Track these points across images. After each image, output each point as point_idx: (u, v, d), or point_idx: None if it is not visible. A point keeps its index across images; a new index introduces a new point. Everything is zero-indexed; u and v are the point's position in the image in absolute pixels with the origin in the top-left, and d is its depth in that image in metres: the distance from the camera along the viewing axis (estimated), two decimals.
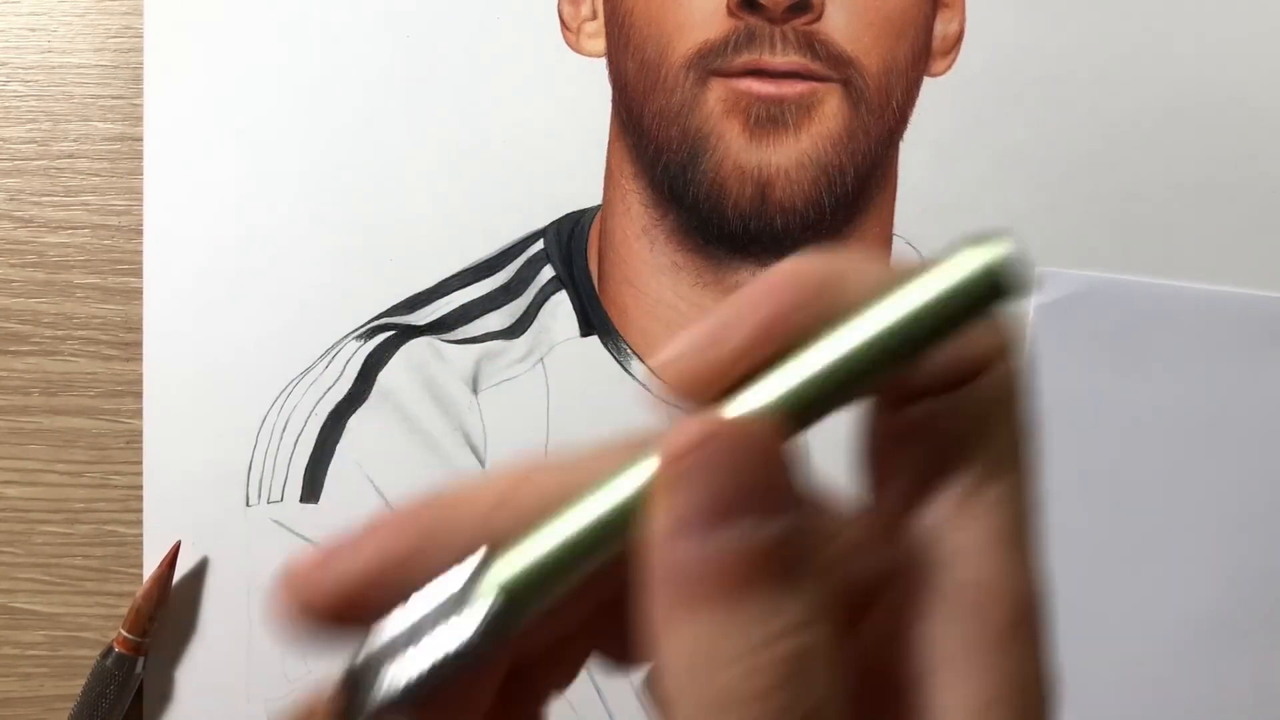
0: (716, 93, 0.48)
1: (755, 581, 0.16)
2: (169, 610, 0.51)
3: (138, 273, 0.51)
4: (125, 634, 0.49)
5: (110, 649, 0.49)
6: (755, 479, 0.16)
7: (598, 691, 0.50)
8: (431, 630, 0.17)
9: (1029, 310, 0.50)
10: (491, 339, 0.51)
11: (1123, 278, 0.50)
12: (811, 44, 0.48)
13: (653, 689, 0.17)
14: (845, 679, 0.16)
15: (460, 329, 0.51)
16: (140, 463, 0.51)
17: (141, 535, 0.51)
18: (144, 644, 0.49)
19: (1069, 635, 0.52)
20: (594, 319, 0.51)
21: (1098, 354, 0.50)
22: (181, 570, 0.51)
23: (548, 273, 0.51)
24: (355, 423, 0.51)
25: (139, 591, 0.49)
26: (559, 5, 0.51)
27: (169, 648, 0.51)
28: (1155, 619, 0.50)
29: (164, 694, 0.51)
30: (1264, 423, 0.50)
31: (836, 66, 0.48)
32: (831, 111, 0.48)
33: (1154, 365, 0.49)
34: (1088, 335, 0.50)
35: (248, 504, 0.51)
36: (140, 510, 0.51)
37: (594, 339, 0.51)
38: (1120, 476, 0.50)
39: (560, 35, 0.51)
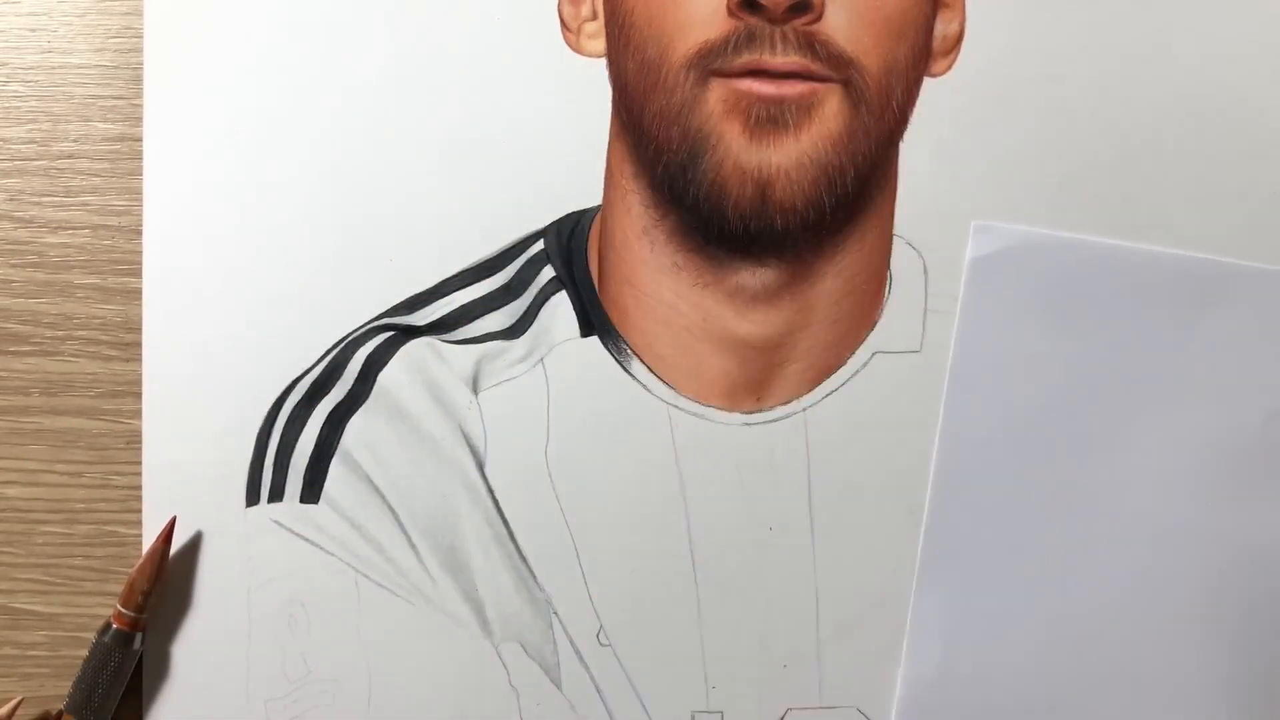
0: (717, 93, 0.48)
1: None
2: (168, 611, 0.51)
3: (138, 273, 0.51)
4: (122, 609, 0.49)
5: (108, 625, 0.49)
6: None
7: (598, 691, 0.50)
8: None
9: (964, 263, 0.50)
10: (492, 339, 0.51)
11: (1057, 234, 0.50)
12: (812, 44, 0.48)
13: None
14: None
15: (460, 329, 0.51)
16: (140, 463, 0.51)
17: (141, 535, 0.51)
18: (141, 619, 0.49)
19: (1000, 589, 0.53)
20: (594, 319, 0.51)
21: (1031, 308, 0.50)
22: (180, 575, 0.51)
23: (548, 273, 0.51)
24: (355, 423, 0.51)
25: (135, 567, 0.49)
26: (559, 5, 0.51)
27: (169, 647, 0.51)
28: (1089, 575, 0.50)
29: (164, 693, 0.51)
30: (1192, 381, 0.50)
31: (837, 67, 0.48)
32: (832, 112, 0.48)
33: (1085, 321, 0.50)
34: (1022, 289, 0.50)
35: (248, 504, 0.51)
36: (140, 510, 0.51)
37: (594, 339, 0.51)
38: (1051, 430, 0.50)
39: (560, 35, 0.51)
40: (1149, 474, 0.50)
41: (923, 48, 0.50)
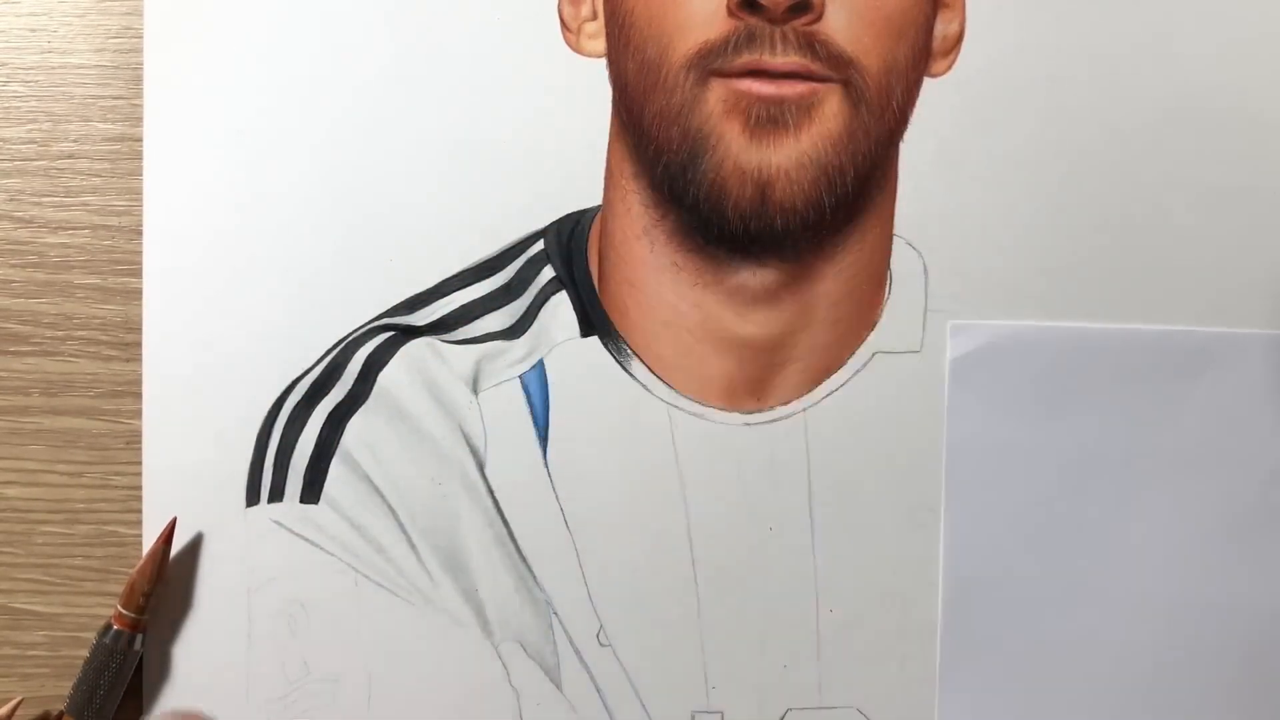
0: (717, 93, 0.48)
1: None
2: (168, 611, 0.51)
3: (138, 273, 0.51)
4: (122, 610, 0.49)
5: (109, 626, 0.49)
6: None
7: (598, 691, 0.50)
8: None
9: (944, 365, 0.50)
10: (492, 339, 0.51)
11: (1031, 324, 0.50)
12: (812, 44, 0.48)
13: None
14: None
15: (460, 329, 0.51)
16: (140, 463, 0.51)
17: (141, 535, 0.51)
18: (142, 620, 0.49)
19: (1013, 679, 0.53)
20: (594, 319, 0.51)
21: (1015, 401, 0.50)
22: (180, 574, 0.51)
23: (548, 273, 0.51)
24: (355, 423, 0.51)
25: (135, 568, 0.49)
26: (559, 5, 0.51)
27: (169, 648, 0.51)
28: (1108, 656, 0.50)
29: (165, 693, 0.51)
30: (1187, 452, 0.50)
31: (837, 67, 0.48)
32: (832, 112, 0.48)
33: (1073, 407, 0.50)
34: (1003, 384, 0.50)
35: (248, 504, 0.51)
36: (140, 510, 0.51)
37: (594, 339, 0.51)
38: (1049, 519, 0.50)
39: (560, 35, 0.51)
40: (1156, 549, 0.50)
41: (923, 48, 0.50)
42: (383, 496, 0.50)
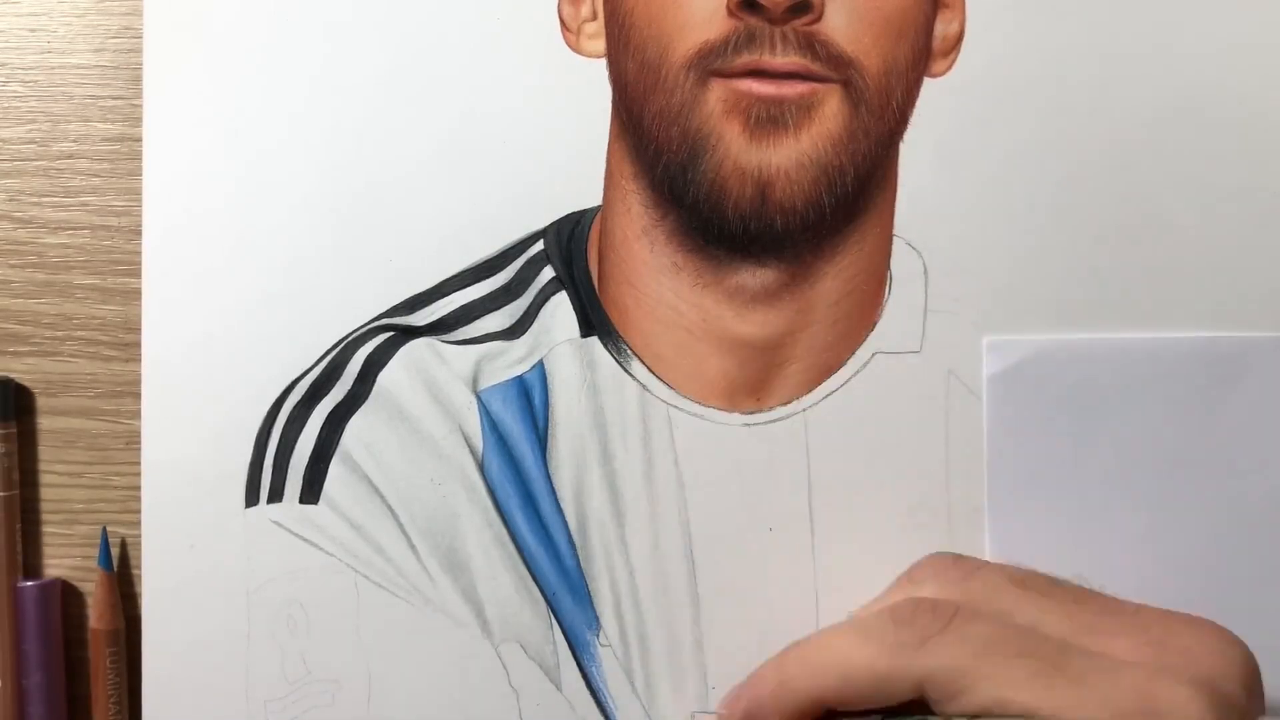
0: (717, 93, 0.48)
1: None
2: (167, 611, 0.51)
3: (137, 273, 0.51)
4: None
5: None
6: None
7: (598, 691, 0.50)
8: None
9: (981, 383, 0.50)
10: (492, 339, 0.51)
11: (1068, 337, 0.50)
12: (812, 44, 0.48)
13: None
14: None
15: (460, 329, 0.51)
16: (140, 463, 0.51)
17: (141, 535, 0.51)
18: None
19: None
20: (594, 320, 0.51)
21: (1055, 416, 0.50)
22: (180, 574, 0.51)
23: (548, 273, 0.51)
24: (355, 423, 0.51)
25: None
26: (559, 5, 0.51)
27: (168, 648, 0.51)
28: None
29: (164, 693, 0.50)
30: (1225, 458, 0.50)
31: (837, 67, 0.48)
32: (831, 112, 0.48)
33: (1110, 418, 0.50)
34: (1042, 399, 0.50)
35: (247, 505, 0.51)
36: (139, 511, 0.51)
37: (594, 339, 0.51)
38: (1093, 531, 0.50)
39: (560, 35, 0.51)
40: (1198, 557, 0.50)
41: (923, 48, 0.50)
42: (382, 497, 0.50)
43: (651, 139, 0.49)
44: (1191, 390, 0.50)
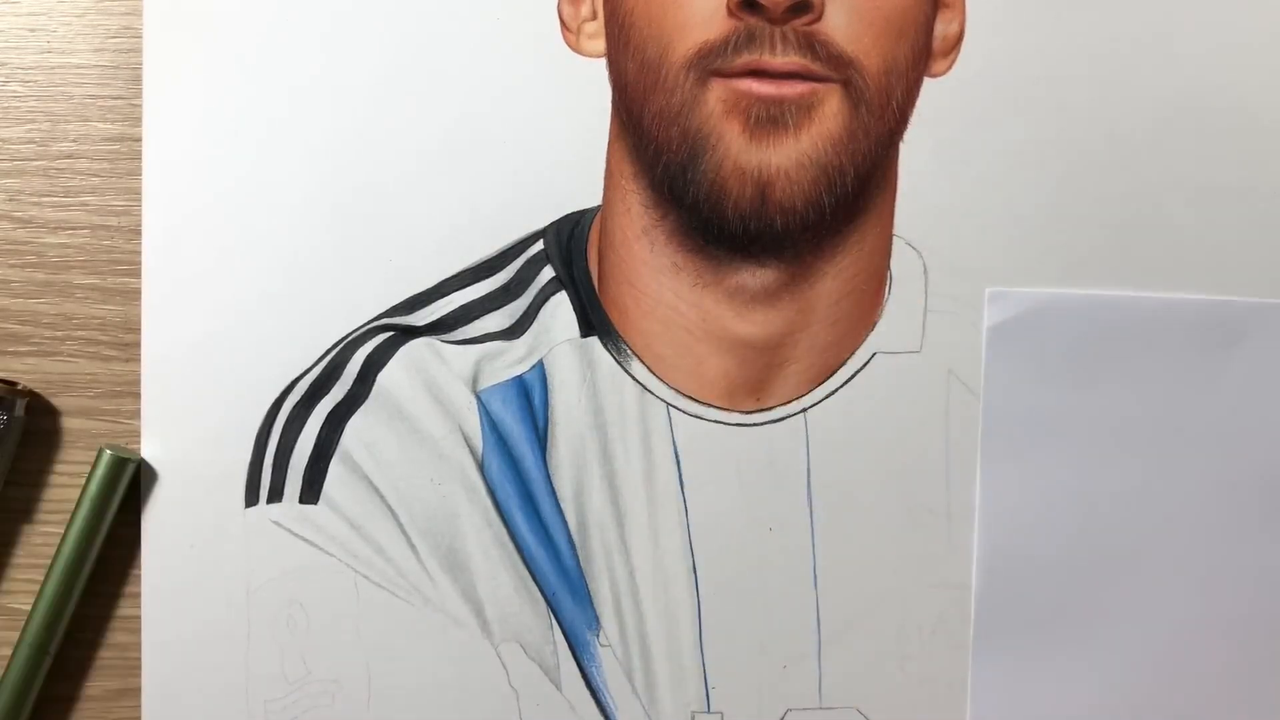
0: (716, 93, 0.48)
1: None
2: (168, 611, 0.50)
3: (137, 273, 0.51)
4: None
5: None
6: None
7: (598, 691, 0.50)
8: None
9: (981, 333, 0.50)
10: (491, 339, 0.51)
11: (1070, 292, 0.50)
12: (812, 44, 0.48)
13: None
14: None
15: (460, 329, 0.51)
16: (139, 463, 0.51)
17: (141, 536, 0.51)
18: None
19: (1046, 646, 0.53)
20: (594, 319, 0.51)
21: (1053, 370, 0.50)
22: (180, 574, 0.51)
23: (548, 273, 0.51)
24: (355, 423, 0.51)
25: None
26: (559, 5, 0.51)
27: (168, 648, 0.51)
28: (1143, 626, 0.50)
29: (164, 693, 0.51)
30: (1223, 424, 0.50)
31: (837, 67, 0.48)
32: (831, 112, 0.48)
33: (1110, 377, 0.50)
34: (1041, 353, 0.50)
35: (246, 504, 0.51)
36: (140, 510, 0.51)
37: (594, 339, 0.51)
38: (1085, 487, 0.50)
39: (560, 35, 0.51)
40: (1191, 518, 0.50)
41: (923, 48, 0.50)
42: (382, 497, 0.50)
43: (651, 139, 0.49)
44: (1191, 351, 0.50)
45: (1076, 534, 0.50)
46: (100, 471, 0.49)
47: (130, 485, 0.50)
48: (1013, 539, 0.50)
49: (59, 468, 0.52)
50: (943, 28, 0.50)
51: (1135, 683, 0.50)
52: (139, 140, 0.51)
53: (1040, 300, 0.50)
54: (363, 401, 0.51)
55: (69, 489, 0.52)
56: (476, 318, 0.51)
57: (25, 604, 0.52)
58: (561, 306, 0.51)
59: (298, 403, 0.51)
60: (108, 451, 0.50)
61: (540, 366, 0.51)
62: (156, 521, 0.51)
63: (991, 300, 0.50)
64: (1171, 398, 0.50)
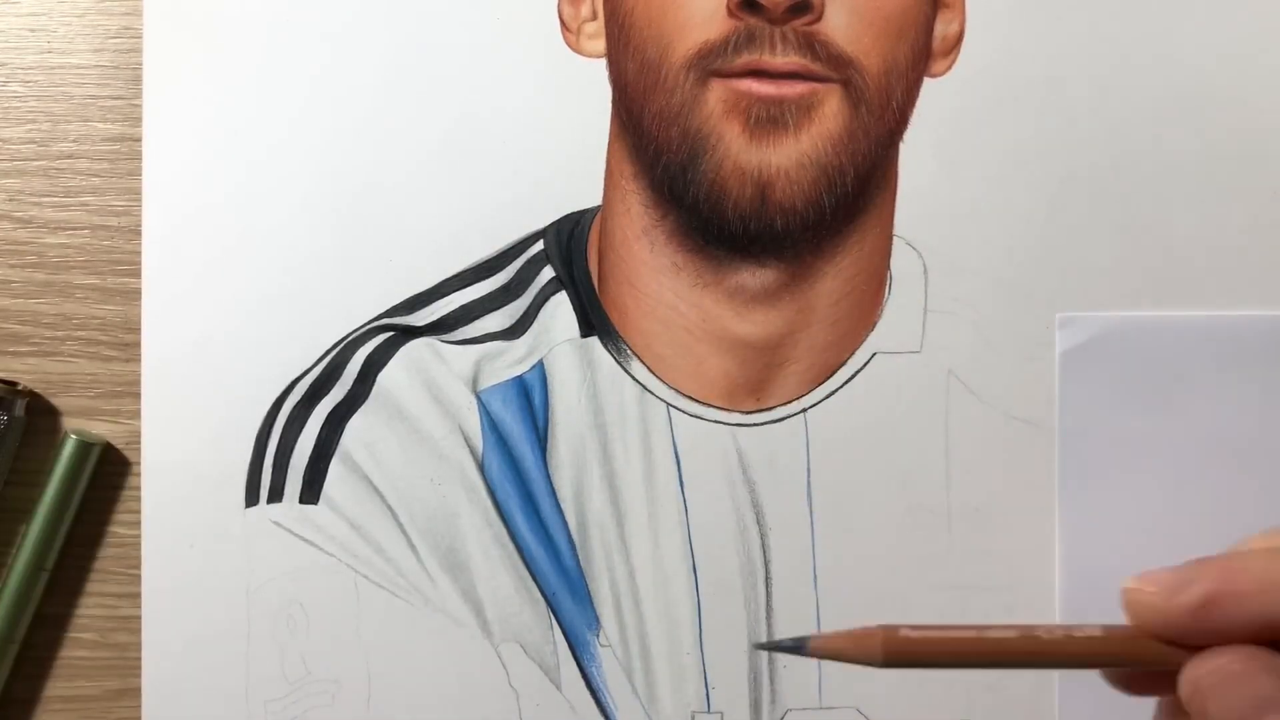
0: (716, 93, 0.48)
1: None
2: (168, 611, 0.50)
3: (137, 273, 0.51)
4: None
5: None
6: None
7: (598, 691, 0.50)
8: None
9: (1055, 357, 0.50)
10: (491, 339, 0.51)
11: (1141, 314, 0.50)
12: (812, 44, 0.48)
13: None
14: None
15: (460, 330, 0.51)
16: (140, 463, 0.51)
17: (140, 536, 0.51)
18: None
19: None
20: (594, 320, 0.51)
21: (1128, 393, 0.50)
22: (180, 574, 0.51)
23: (548, 273, 0.51)
24: (355, 423, 0.51)
25: None
26: (559, 5, 0.51)
27: (168, 648, 0.51)
28: None
29: (164, 693, 0.50)
30: None
31: (837, 67, 0.48)
32: (831, 112, 0.48)
33: (1183, 396, 0.50)
34: (1115, 376, 0.50)
35: (247, 505, 0.51)
36: (139, 511, 0.51)
37: (594, 339, 0.51)
38: (1165, 510, 0.50)
39: (560, 35, 0.51)
40: None
41: (923, 48, 0.50)
42: (382, 497, 0.50)
43: (651, 139, 0.49)
44: (1265, 368, 0.49)
45: (1156, 557, 0.49)
46: (66, 454, 0.50)
47: (97, 470, 0.50)
48: (1093, 564, 0.50)
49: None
50: (943, 28, 0.50)
51: None
52: (139, 140, 0.51)
53: (1111, 324, 0.50)
54: (363, 401, 0.51)
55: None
56: (476, 318, 0.51)
57: None
58: (561, 307, 0.51)
59: (298, 403, 0.51)
60: (72, 436, 0.50)
61: (540, 366, 0.51)
62: (156, 521, 0.51)
63: (1062, 325, 0.50)
64: (1247, 415, 0.50)
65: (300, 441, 0.51)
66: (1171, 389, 0.50)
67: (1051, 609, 0.50)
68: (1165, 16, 0.51)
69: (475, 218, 0.51)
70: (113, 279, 0.52)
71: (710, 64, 0.48)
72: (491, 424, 0.51)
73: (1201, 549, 0.49)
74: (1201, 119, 0.51)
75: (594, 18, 0.51)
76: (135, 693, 0.51)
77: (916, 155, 0.51)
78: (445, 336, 0.51)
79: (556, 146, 0.51)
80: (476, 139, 0.51)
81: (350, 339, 0.51)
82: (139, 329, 0.51)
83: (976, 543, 0.51)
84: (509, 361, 0.51)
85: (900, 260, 0.51)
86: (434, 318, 0.51)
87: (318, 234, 0.51)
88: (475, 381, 0.51)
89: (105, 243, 0.52)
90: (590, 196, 0.51)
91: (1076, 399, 0.50)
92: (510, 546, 0.50)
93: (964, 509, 0.51)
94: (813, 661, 0.51)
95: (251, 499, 0.51)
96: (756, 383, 0.51)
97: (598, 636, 0.51)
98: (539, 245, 0.51)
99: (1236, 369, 0.50)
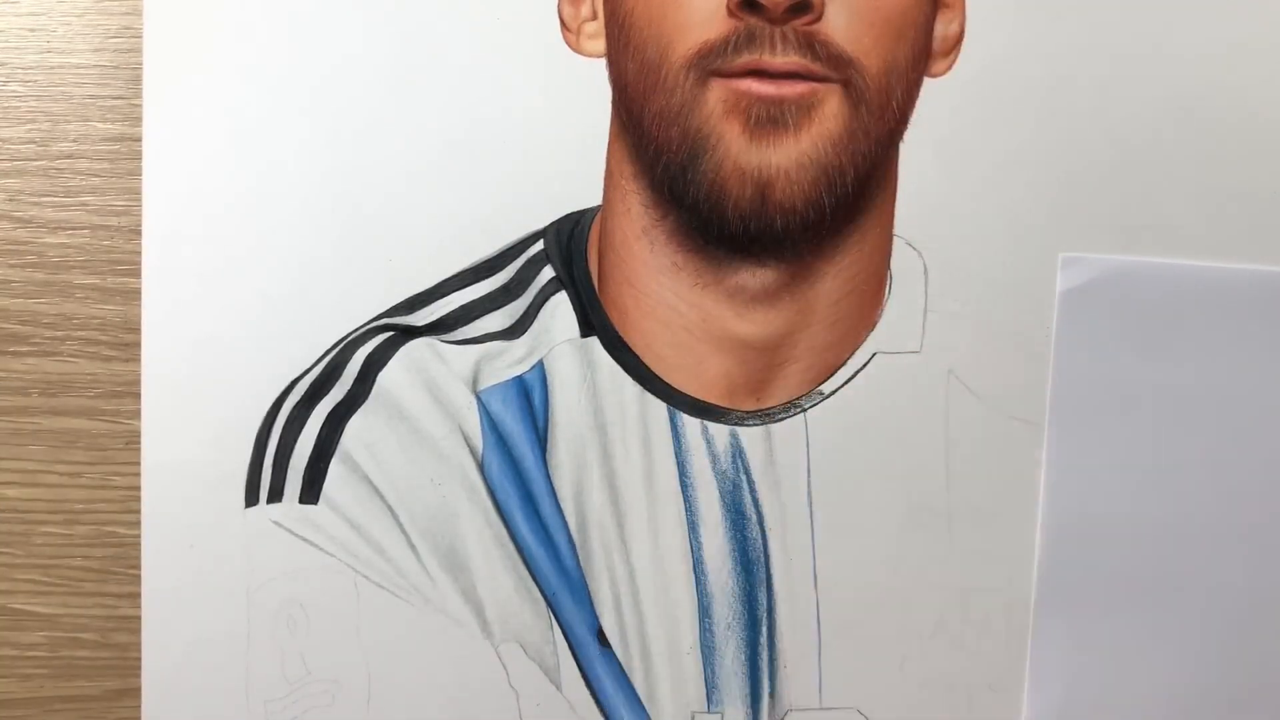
0: (716, 93, 0.48)
1: None
2: (168, 611, 0.51)
3: (137, 273, 0.51)
4: None
5: None
6: None
7: (598, 691, 0.50)
8: None
9: (1054, 296, 0.50)
10: (491, 339, 0.51)
11: (1145, 260, 0.50)
12: (812, 44, 0.48)
13: None
14: None
15: (460, 329, 0.51)
16: (139, 463, 0.51)
17: (140, 536, 0.51)
18: None
19: (1117, 615, 0.52)
20: (594, 319, 0.51)
21: (1124, 337, 0.50)
22: (180, 575, 0.51)
23: (548, 273, 0.51)
24: (355, 423, 0.51)
25: None
26: (559, 5, 0.51)
27: (169, 648, 0.51)
28: (1193, 595, 0.50)
29: (164, 693, 0.51)
30: None
31: (837, 67, 0.48)
32: (831, 112, 0.48)
33: (1180, 345, 0.49)
34: (1112, 319, 0.50)
35: (246, 505, 0.51)
36: (139, 511, 0.51)
37: (594, 339, 0.51)
38: (1153, 456, 0.50)
39: (560, 35, 0.51)
40: (1259, 489, 0.50)
41: (923, 48, 0.50)
42: (382, 497, 0.50)
43: (651, 139, 0.49)
44: (1262, 322, 0.49)
45: (1144, 501, 0.49)
46: None
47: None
48: (1078, 506, 0.49)
49: (58, 468, 0.52)
50: (943, 28, 0.50)
51: (1201, 653, 0.50)
52: (139, 140, 0.51)
53: (1113, 267, 0.49)
54: (363, 401, 0.51)
55: (68, 489, 0.52)
56: (476, 318, 0.51)
57: (26, 604, 0.52)
58: (561, 306, 0.51)
59: (298, 403, 0.51)
60: None
61: (540, 366, 0.51)
62: (156, 521, 0.51)
63: (1065, 265, 0.49)
64: (1242, 367, 0.49)
65: (300, 441, 0.51)
66: (1168, 334, 0.49)
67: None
68: (1165, 16, 0.51)
69: (475, 218, 0.51)
70: (113, 279, 0.52)
71: (710, 64, 0.48)
72: (491, 424, 0.51)
73: (1187, 499, 0.49)
74: (1201, 119, 0.51)
75: (594, 18, 0.51)
76: (135, 693, 0.51)
77: (916, 155, 0.51)
78: (445, 336, 0.51)
79: (556, 146, 0.51)
80: (477, 139, 0.51)
81: (350, 339, 0.51)
82: (139, 329, 0.51)
83: (976, 543, 0.51)
84: (509, 361, 0.51)
85: (900, 260, 0.51)
86: (434, 318, 0.51)
87: (318, 234, 0.51)
88: (475, 381, 0.51)
89: (105, 243, 0.52)
90: (590, 196, 0.51)
91: (1072, 339, 0.50)
92: (510, 546, 0.50)
93: (964, 509, 0.51)
94: (813, 661, 0.51)
95: (251, 499, 0.51)
96: (756, 383, 0.51)
97: (598, 637, 0.51)
98: (539, 245, 0.51)
99: (1234, 318, 0.50)
